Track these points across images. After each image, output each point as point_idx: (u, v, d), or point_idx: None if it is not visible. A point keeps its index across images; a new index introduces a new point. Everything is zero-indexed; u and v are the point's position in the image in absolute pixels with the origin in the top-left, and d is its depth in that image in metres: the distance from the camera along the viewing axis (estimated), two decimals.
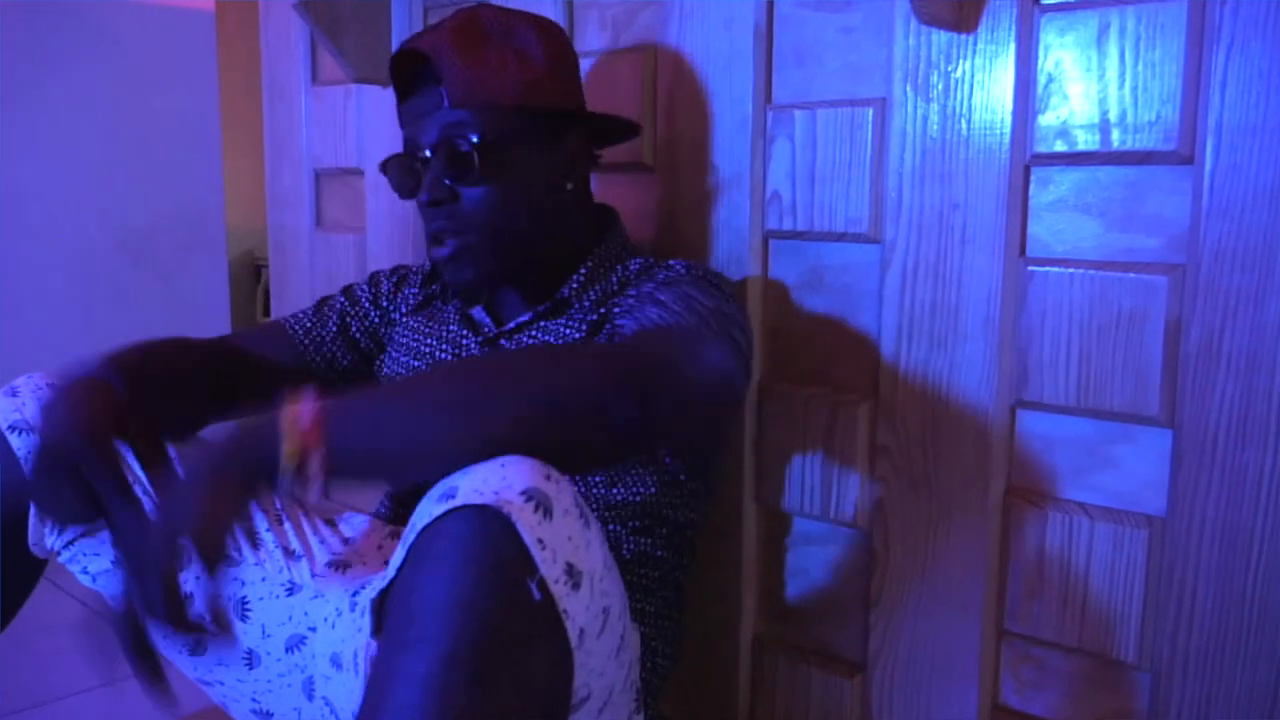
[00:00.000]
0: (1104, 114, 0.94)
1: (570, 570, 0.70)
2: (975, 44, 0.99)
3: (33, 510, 0.99)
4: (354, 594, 0.98)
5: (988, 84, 0.99)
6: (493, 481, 0.69)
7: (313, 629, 0.99)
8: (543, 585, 0.68)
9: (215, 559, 0.74)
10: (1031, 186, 0.99)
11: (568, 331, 1.06)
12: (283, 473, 0.74)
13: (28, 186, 2.02)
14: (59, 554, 1.04)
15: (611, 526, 1.03)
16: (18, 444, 0.99)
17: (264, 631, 1.01)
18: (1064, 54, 0.95)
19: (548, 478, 0.71)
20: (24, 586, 1.06)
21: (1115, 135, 0.93)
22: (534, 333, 1.07)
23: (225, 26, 2.29)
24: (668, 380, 0.85)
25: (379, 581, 0.74)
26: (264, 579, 1.02)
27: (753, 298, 1.17)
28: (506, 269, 1.05)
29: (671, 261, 1.06)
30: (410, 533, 0.72)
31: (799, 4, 1.12)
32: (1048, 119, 0.97)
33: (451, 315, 1.15)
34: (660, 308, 0.95)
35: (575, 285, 1.06)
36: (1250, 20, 0.85)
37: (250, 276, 3.42)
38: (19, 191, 2.01)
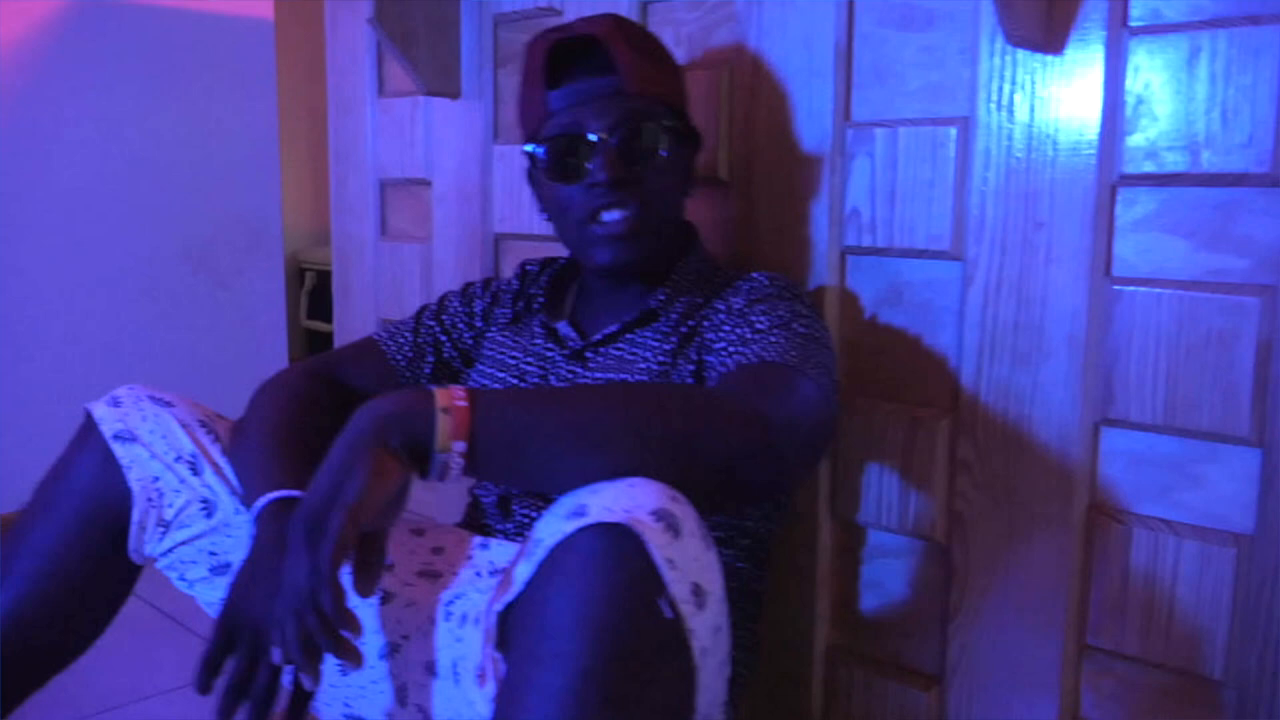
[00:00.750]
0: (1194, 136, 0.94)
1: (697, 590, 0.71)
2: (1063, 64, 1.00)
3: (134, 516, 1.02)
4: (448, 604, 1.00)
5: (1075, 104, 1.00)
6: (622, 500, 0.71)
7: (405, 637, 1.01)
8: (672, 604, 0.69)
9: (382, 536, 0.77)
10: (1118, 206, 1.00)
11: (656, 342, 1.07)
12: (439, 452, 0.75)
13: (90, 195, 2.06)
14: (156, 561, 1.07)
15: None
16: (122, 453, 1.02)
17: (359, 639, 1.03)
18: (1153, 76, 0.96)
19: (674, 499, 0.73)
20: (122, 593, 1.09)
21: (1205, 157, 0.94)
22: (621, 345, 1.09)
23: (281, 37, 2.32)
24: (794, 445, 0.86)
25: (504, 594, 0.76)
26: None
27: (830, 312, 1.19)
28: (649, 256, 1.08)
29: (754, 274, 1.08)
30: (535, 548, 0.73)
31: (880, 23, 1.13)
32: (1136, 140, 0.98)
33: (536, 330, 1.17)
34: (761, 340, 0.96)
35: (662, 297, 1.08)
36: None
37: (294, 279, 3.46)
38: (82, 201, 2.05)
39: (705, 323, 1.05)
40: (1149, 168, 0.97)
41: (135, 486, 1.02)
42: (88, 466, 1.04)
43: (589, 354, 1.10)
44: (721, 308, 1.05)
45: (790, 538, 1.22)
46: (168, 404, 1.06)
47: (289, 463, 0.99)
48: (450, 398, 0.76)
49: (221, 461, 1.05)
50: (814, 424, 0.90)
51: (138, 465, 1.02)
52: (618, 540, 0.69)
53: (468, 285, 1.26)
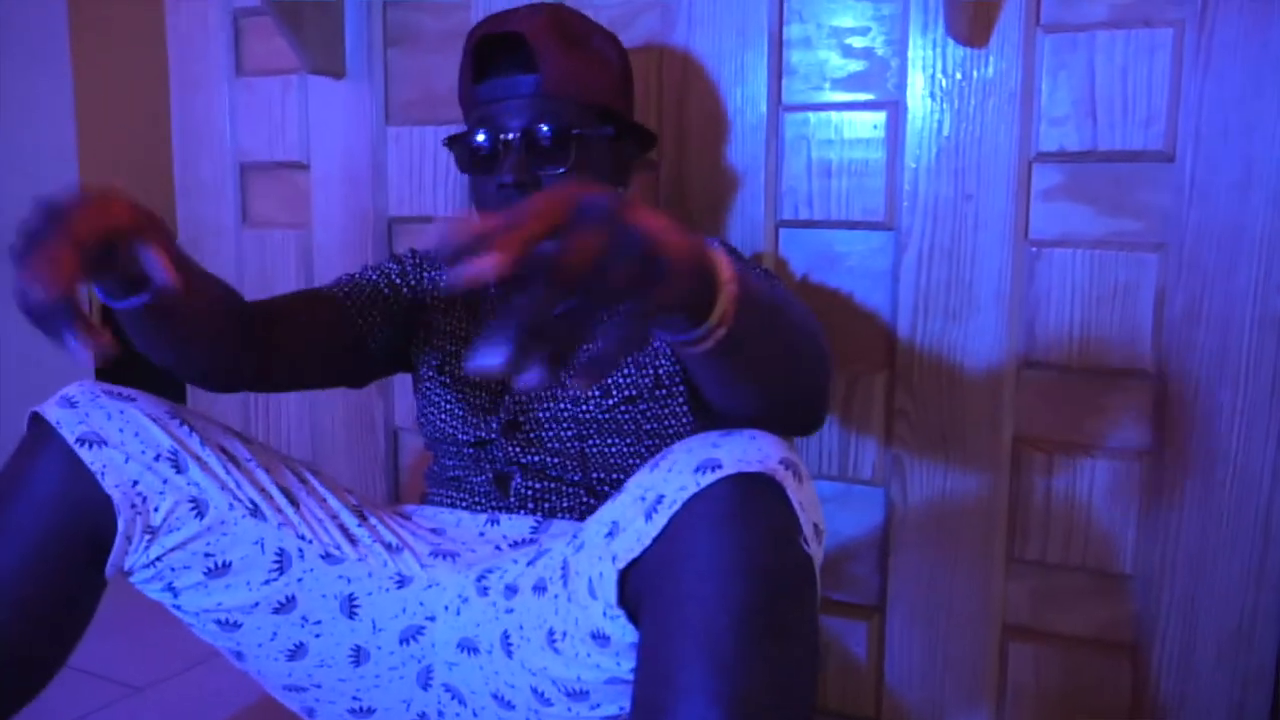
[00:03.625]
0: (1099, 119, 1.12)
1: (816, 529, 0.79)
2: (987, 56, 1.15)
3: (119, 526, 0.94)
4: (479, 580, 1.00)
5: (997, 91, 1.16)
6: (752, 452, 0.77)
7: (431, 618, 1.01)
8: (806, 541, 0.76)
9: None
10: (1034, 179, 1.17)
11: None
12: (708, 324, 0.67)
13: None
14: (131, 574, 0.99)
15: None
16: (91, 458, 0.94)
17: (375, 626, 1.01)
18: (1063, 68, 1.13)
19: (790, 448, 0.79)
20: (90, 613, 1.00)
21: (1108, 137, 1.12)
22: None
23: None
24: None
25: (623, 553, 0.79)
26: (370, 574, 1.02)
27: None
28: None
29: (711, 240, 1.16)
30: (658, 504, 0.77)
31: (810, 16, 1.24)
32: (1049, 122, 1.15)
33: (492, 302, 1.17)
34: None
35: None
36: (1223, 45, 1.07)
37: None
38: None
39: None
40: (1060, 146, 1.15)
41: (115, 494, 0.93)
42: (49, 478, 0.94)
43: None
44: None
45: None
46: (129, 398, 0.98)
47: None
48: (729, 274, 0.67)
49: (205, 454, 0.99)
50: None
51: (112, 470, 0.94)
52: (761, 488, 0.75)
53: (395, 255, 1.23)
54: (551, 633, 0.90)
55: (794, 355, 0.79)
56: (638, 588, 0.79)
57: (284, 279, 1.62)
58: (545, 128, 1.04)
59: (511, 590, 0.96)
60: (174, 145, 1.68)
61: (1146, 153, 1.11)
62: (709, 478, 0.76)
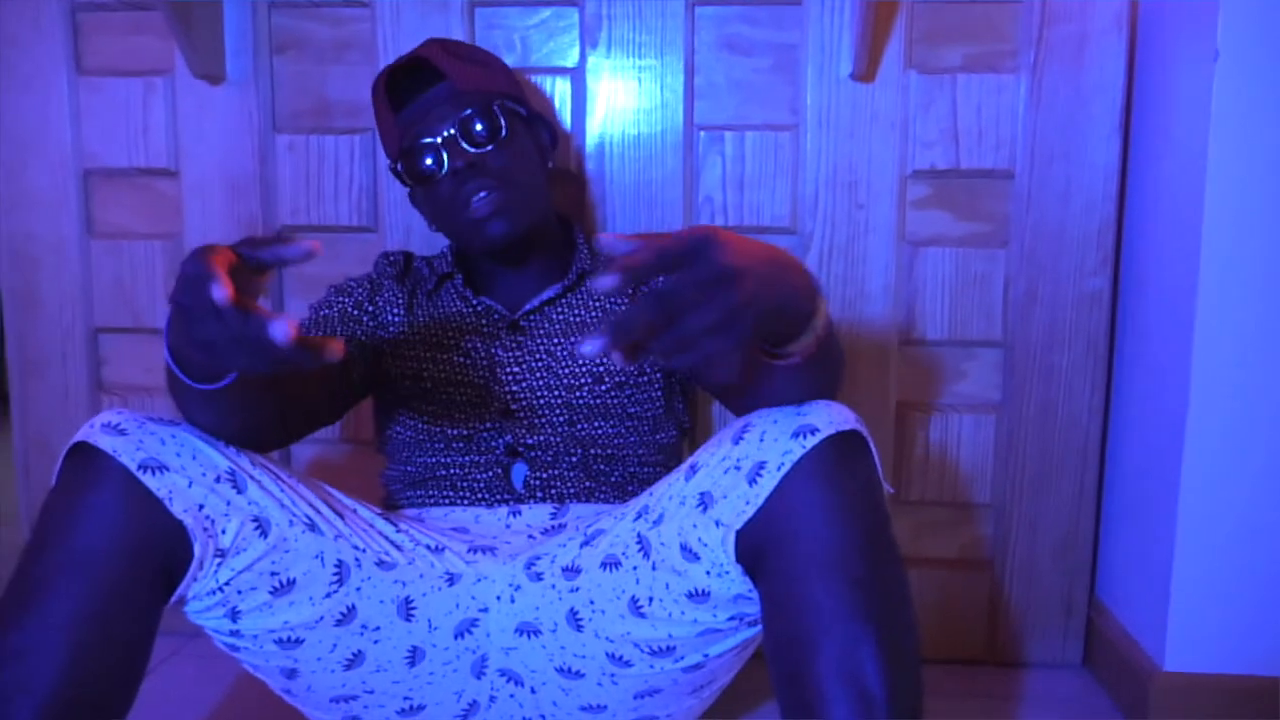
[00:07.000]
0: (960, 144, 1.40)
1: (882, 473, 0.97)
2: (873, 91, 1.39)
3: (195, 552, 0.93)
4: (528, 566, 1.08)
5: (881, 119, 1.40)
6: (835, 415, 0.92)
7: (484, 610, 1.08)
8: (883, 479, 0.95)
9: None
10: (909, 191, 1.43)
11: (595, 302, 1.24)
12: (809, 332, 0.84)
13: None
14: (189, 602, 0.97)
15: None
16: (156, 485, 0.92)
17: (431, 625, 1.06)
18: (932, 103, 1.40)
19: (851, 408, 0.97)
20: (152, 646, 0.97)
21: (967, 158, 1.40)
22: (561, 307, 1.23)
23: None
24: None
25: (732, 516, 0.91)
26: (422, 576, 1.07)
27: None
28: (530, 225, 1.21)
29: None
30: (759, 469, 0.90)
31: (718, 45, 1.41)
32: (921, 145, 1.41)
33: (456, 304, 1.24)
34: None
35: (587, 262, 1.25)
36: (1049, 90, 1.38)
37: None
38: None
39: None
40: (928, 165, 1.41)
41: (187, 520, 0.92)
42: (111, 510, 0.90)
43: (524, 321, 1.23)
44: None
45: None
46: (173, 422, 0.97)
47: None
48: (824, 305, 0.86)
49: (256, 473, 0.99)
50: None
51: (179, 496, 0.92)
52: (855, 442, 0.92)
53: (334, 287, 1.28)
54: (635, 600, 1.01)
55: (838, 371, 0.98)
56: (754, 544, 0.92)
57: (150, 293, 1.53)
58: (470, 110, 1.16)
59: (573, 571, 1.06)
60: None
61: (995, 171, 1.41)
62: (812, 440, 0.91)
